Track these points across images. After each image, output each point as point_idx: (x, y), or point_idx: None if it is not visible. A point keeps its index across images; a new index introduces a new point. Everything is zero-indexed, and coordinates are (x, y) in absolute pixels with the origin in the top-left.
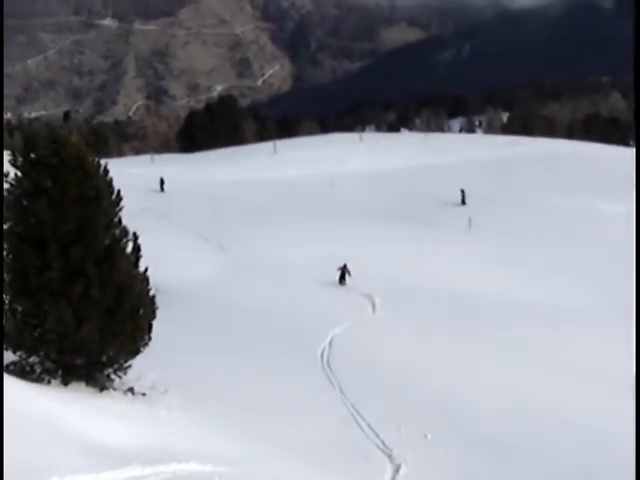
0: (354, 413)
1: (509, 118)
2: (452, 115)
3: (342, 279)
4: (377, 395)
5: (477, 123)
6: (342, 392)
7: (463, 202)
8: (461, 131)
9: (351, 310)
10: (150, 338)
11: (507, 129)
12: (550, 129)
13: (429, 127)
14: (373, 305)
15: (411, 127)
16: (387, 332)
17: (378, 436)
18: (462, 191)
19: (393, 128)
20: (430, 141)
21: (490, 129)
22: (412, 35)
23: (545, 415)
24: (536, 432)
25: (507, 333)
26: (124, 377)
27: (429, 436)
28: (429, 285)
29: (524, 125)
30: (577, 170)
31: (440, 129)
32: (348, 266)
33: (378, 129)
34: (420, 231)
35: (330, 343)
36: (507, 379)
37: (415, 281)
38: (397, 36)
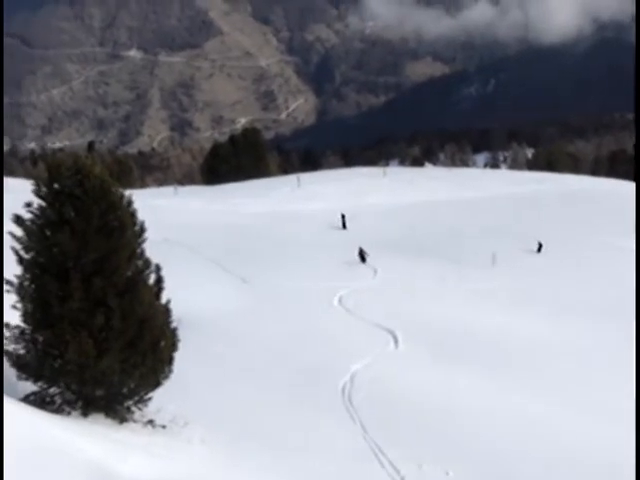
0: (375, 449)
1: (534, 154)
2: (477, 150)
3: (363, 259)
4: (399, 431)
5: (502, 159)
6: (363, 427)
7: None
8: (485, 166)
9: (373, 345)
10: (171, 370)
11: (532, 165)
12: (575, 166)
13: (453, 162)
14: (395, 340)
15: (435, 162)
16: (410, 368)
17: (399, 472)
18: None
19: (417, 162)
20: (454, 176)
21: (515, 165)
22: (437, 70)
23: (573, 455)
24: (566, 472)
25: (533, 372)
26: (144, 409)
27: (451, 473)
28: (452, 321)
29: (549, 161)
30: (600, 207)
31: (464, 164)
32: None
33: (402, 163)
34: (444, 266)
35: (352, 378)
36: (533, 417)
37: (438, 316)
38: (422, 70)
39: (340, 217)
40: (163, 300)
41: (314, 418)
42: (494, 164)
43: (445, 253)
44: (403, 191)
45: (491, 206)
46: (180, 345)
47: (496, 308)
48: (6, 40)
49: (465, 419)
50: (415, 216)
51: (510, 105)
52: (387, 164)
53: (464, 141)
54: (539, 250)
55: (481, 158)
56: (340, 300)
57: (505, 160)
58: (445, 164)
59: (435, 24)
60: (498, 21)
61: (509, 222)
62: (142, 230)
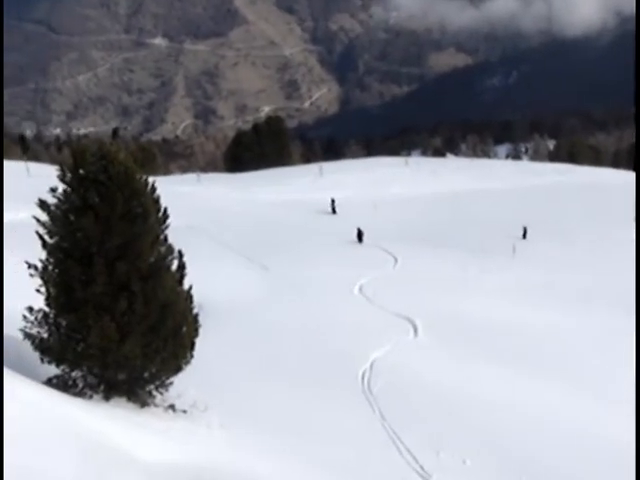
0: (393, 437)
1: (555, 146)
2: (498, 141)
3: (360, 239)
4: (417, 420)
5: (523, 150)
6: (382, 415)
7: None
8: (507, 158)
9: (392, 333)
10: (192, 356)
11: (553, 157)
12: (596, 158)
13: (475, 153)
14: (415, 329)
15: (457, 152)
16: (429, 357)
17: (417, 461)
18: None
19: (439, 153)
20: (476, 167)
21: (536, 156)
22: (460, 60)
23: (595, 444)
24: (584, 461)
25: (553, 362)
26: (165, 394)
27: (468, 462)
28: (473, 311)
29: (570, 153)
30: (620, 199)
31: (486, 155)
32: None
33: (424, 154)
34: (464, 256)
35: (371, 365)
36: (551, 407)
37: (459, 306)
38: (445, 61)
39: (330, 202)
40: (185, 286)
41: (333, 405)
42: (516, 155)
43: (466, 243)
44: (425, 181)
45: (512, 197)
46: (201, 331)
47: (516, 298)
48: (32, 27)
49: (483, 408)
50: (436, 206)
51: (532, 97)
52: (409, 154)
53: (486, 132)
54: (524, 236)
55: (503, 149)
56: (360, 288)
57: (527, 152)
58: (467, 155)
59: (459, 15)
60: (522, 13)
61: (530, 213)
62: (165, 216)
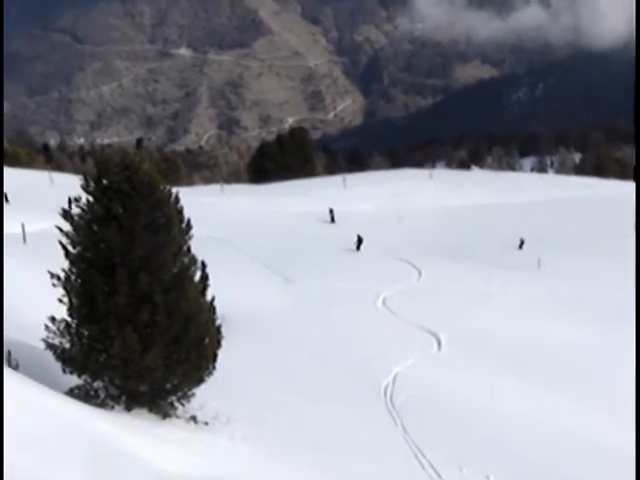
0: (416, 451)
1: (581, 159)
2: (524, 154)
3: (358, 246)
4: (440, 434)
5: (549, 163)
6: (404, 429)
7: (521, 247)
8: (532, 171)
9: (416, 347)
10: (215, 367)
11: (579, 170)
12: (623, 171)
13: (500, 165)
14: (439, 343)
15: (482, 165)
16: (452, 371)
17: (440, 476)
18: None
19: (464, 165)
20: (501, 180)
21: (562, 169)
22: (486, 72)
23: (620, 460)
24: (605, 476)
25: (577, 378)
26: (187, 405)
27: (491, 477)
28: (497, 325)
29: (596, 167)
30: None
31: (511, 168)
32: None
33: (449, 166)
34: (489, 270)
35: (394, 379)
36: (576, 425)
37: (483, 320)
38: (470, 73)
39: (329, 211)
40: (208, 297)
41: (355, 418)
42: (541, 168)
43: (490, 256)
44: (449, 194)
45: (537, 210)
46: (224, 342)
47: (540, 313)
48: (56, 36)
49: (507, 423)
50: (461, 219)
51: (558, 109)
52: (434, 166)
53: (511, 145)
54: (521, 247)
55: (528, 162)
56: (384, 301)
57: (552, 165)
58: (492, 167)
59: (485, 26)
60: (549, 25)
61: (555, 226)
62: (188, 227)
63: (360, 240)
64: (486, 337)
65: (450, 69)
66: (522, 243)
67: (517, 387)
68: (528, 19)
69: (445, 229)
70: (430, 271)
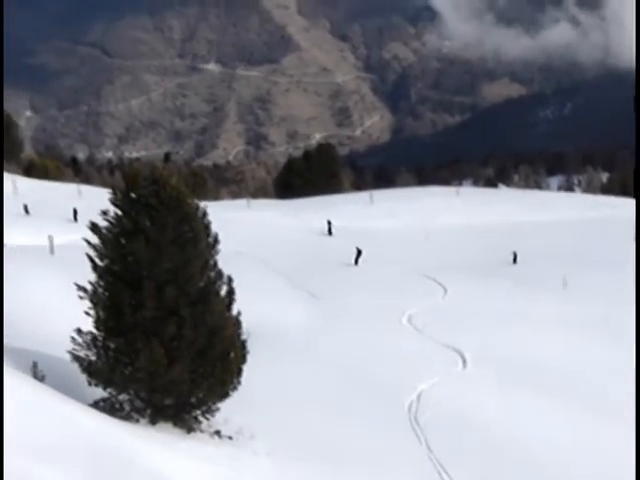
0: (440, 470)
1: (609, 178)
2: (551, 173)
3: (356, 260)
4: (465, 453)
5: (576, 182)
6: (428, 447)
7: (515, 261)
8: (559, 189)
9: (440, 365)
10: (239, 382)
11: (606, 190)
12: None
13: (527, 184)
14: (464, 361)
15: (509, 183)
16: (477, 390)
17: None
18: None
19: (491, 183)
20: (528, 198)
21: (589, 189)
22: (514, 91)
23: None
24: None
25: (603, 401)
26: (211, 419)
27: None
28: (522, 344)
29: (623, 186)
30: None
31: (538, 186)
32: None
33: (475, 184)
34: (515, 288)
35: (419, 397)
36: (602, 448)
37: (508, 338)
38: (498, 91)
39: (327, 223)
40: (234, 312)
41: (379, 435)
42: (568, 187)
43: (516, 275)
44: (476, 212)
45: (564, 229)
46: (249, 357)
47: (566, 332)
48: (86, 50)
49: (532, 444)
50: (487, 237)
51: (586, 128)
52: (460, 184)
53: (538, 163)
54: (514, 261)
55: (555, 181)
56: (409, 318)
57: (579, 184)
58: (519, 186)
59: (514, 44)
60: (577, 43)
61: (582, 245)
62: (215, 242)
63: (359, 253)
64: (511, 356)
65: (478, 87)
66: (515, 257)
67: (542, 407)
68: (557, 37)
69: (471, 246)
70: (456, 288)
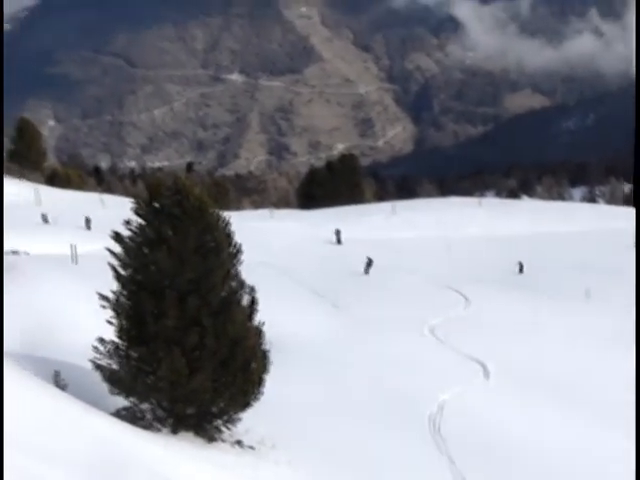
0: None
1: (632, 190)
2: (574, 184)
3: (367, 269)
4: (486, 463)
5: (599, 193)
6: (450, 458)
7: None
8: (583, 201)
9: (463, 376)
10: (261, 392)
11: (629, 201)
12: None
13: (550, 195)
14: (486, 372)
15: (532, 194)
16: (499, 401)
17: None
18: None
19: (513, 195)
20: (551, 209)
21: (612, 200)
22: (536, 102)
23: None
24: None
25: (628, 413)
26: (233, 429)
27: None
28: (545, 355)
29: None
30: None
31: (561, 198)
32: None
33: (498, 195)
34: (537, 299)
35: (441, 407)
36: (620, 456)
37: (531, 350)
38: (521, 102)
39: (335, 232)
40: (256, 322)
41: (401, 446)
42: (591, 198)
43: (539, 286)
44: (498, 222)
45: (587, 240)
46: (270, 367)
47: (590, 344)
48: (109, 59)
49: (554, 457)
50: (509, 248)
51: (609, 139)
52: (483, 195)
53: (561, 174)
54: (521, 271)
55: (578, 192)
56: (431, 329)
57: (602, 195)
58: (542, 197)
59: (537, 55)
60: (601, 54)
61: (605, 257)
62: (237, 251)
63: (370, 263)
64: (534, 367)
65: (501, 98)
66: (521, 267)
67: (565, 419)
68: (580, 48)
69: (494, 257)
70: (478, 299)
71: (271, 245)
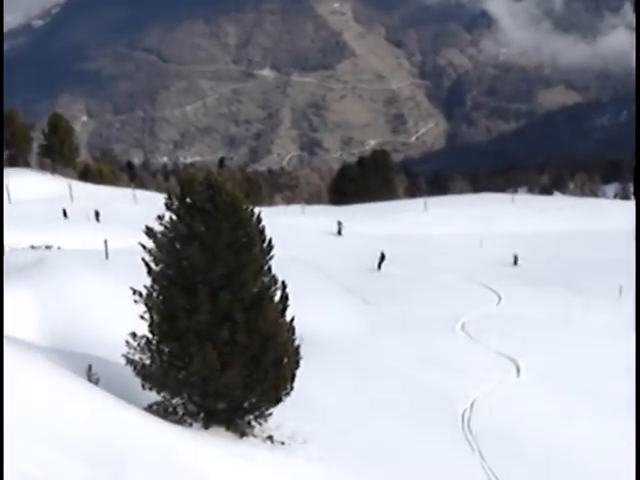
0: (492, 478)
1: None
2: (606, 181)
3: (379, 265)
4: (518, 461)
5: (632, 190)
6: (481, 455)
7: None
8: (615, 197)
9: (494, 373)
10: (292, 388)
11: None
12: None
13: (583, 192)
14: (518, 369)
15: (564, 191)
16: (531, 398)
17: None
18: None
19: (546, 191)
20: (584, 206)
21: None
22: (569, 98)
23: None
24: None
25: None
26: (264, 424)
27: None
28: (578, 353)
29: None
30: None
31: (594, 194)
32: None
33: (531, 191)
34: (569, 296)
35: (472, 405)
36: None
37: (563, 348)
38: (554, 98)
39: (337, 224)
40: (287, 317)
41: (432, 443)
42: (624, 195)
43: (571, 283)
44: (531, 219)
45: (620, 237)
46: (302, 363)
47: (622, 342)
48: (142, 55)
49: (585, 452)
50: (542, 244)
51: None
52: (515, 191)
53: (594, 171)
54: (515, 263)
55: (611, 189)
56: (463, 326)
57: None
58: (574, 194)
59: (570, 52)
60: (635, 50)
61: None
62: (270, 247)
63: (383, 258)
64: (566, 365)
65: (534, 94)
66: (516, 260)
67: (597, 418)
68: (614, 44)
69: (526, 254)
70: (510, 296)
71: (303, 241)
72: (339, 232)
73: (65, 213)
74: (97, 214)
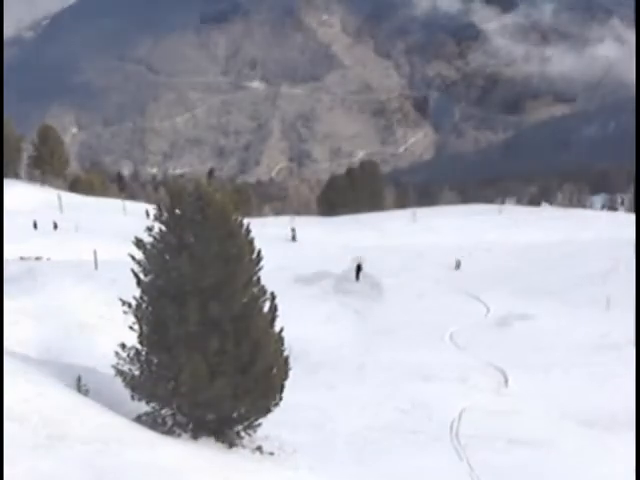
0: None
1: None
2: (594, 191)
3: (357, 275)
4: (506, 472)
5: (619, 201)
6: (469, 465)
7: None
8: (603, 208)
9: (483, 383)
10: (281, 398)
11: None
12: None
13: (571, 202)
14: (506, 380)
15: (552, 202)
16: (520, 409)
17: None
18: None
19: (534, 202)
20: (571, 217)
21: (633, 208)
22: (558, 109)
23: None
24: None
25: None
26: (253, 435)
27: None
28: (565, 364)
29: None
30: None
31: (582, 205)
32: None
33: (519, 202)
34: (557, 307)
35: (460, 415)
36: None
37: (551, 358)
38: (542, 109)
39: (290, 230)
40: (276, 328)
41: (421, 452)
42: (612, 206)
43: (559, 294)
44: (518, 230)
45: (607, 249)
46: (291, 373)
47: (609, 354)
48: (131, 66)
49: (573, 466)
50: (529, 255)
51: (630, 147)
52: (503, 202)
53: (582, 182)
54: (457, 267)
55: (599, 200)
56: (451, 336)
57: (622, 203)
58: (562, 204)
59: (558, 62)
60: (622, 61)
61: (625, 266)
62: (259, 258)
63: (359, 269)
64: (554, 376)
65: (522, 105)
66: (458, 264)
67: (586, 428)
68: (602, 55)
69: (514, 265)
70: (498, 307)
71: (292, 252)
72: (293, 238)
73: (55, 225)
74: (55, 225)
